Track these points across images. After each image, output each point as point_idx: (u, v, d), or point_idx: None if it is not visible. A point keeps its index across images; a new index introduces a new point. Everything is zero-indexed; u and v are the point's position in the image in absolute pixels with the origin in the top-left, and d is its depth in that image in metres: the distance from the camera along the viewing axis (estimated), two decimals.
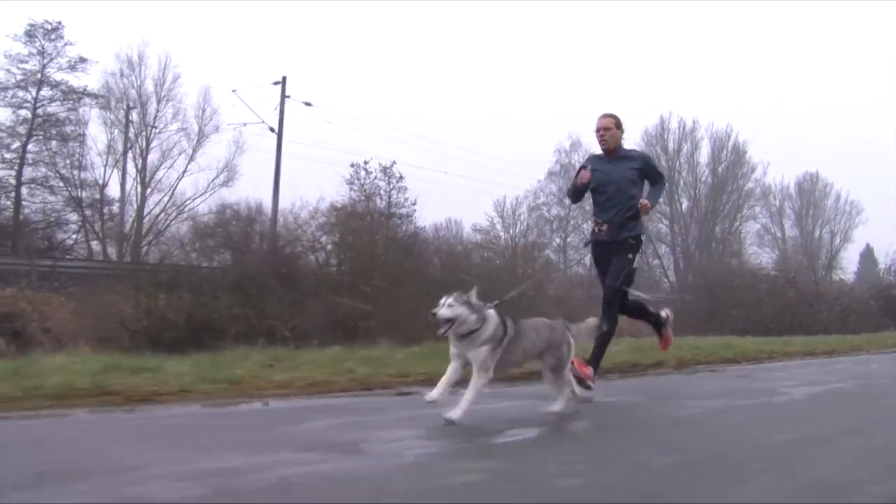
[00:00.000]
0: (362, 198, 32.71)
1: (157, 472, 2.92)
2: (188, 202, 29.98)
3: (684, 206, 43.75)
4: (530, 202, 39.75)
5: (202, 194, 29.84)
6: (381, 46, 55.03)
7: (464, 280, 14.05)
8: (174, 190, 29.89)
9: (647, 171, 6.26)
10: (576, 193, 6.42)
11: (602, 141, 6.19)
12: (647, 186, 6.39)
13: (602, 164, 6.24)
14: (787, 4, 61.02)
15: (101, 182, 27.11)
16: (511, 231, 37.14)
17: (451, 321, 4.28)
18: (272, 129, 25.39)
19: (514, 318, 4.63)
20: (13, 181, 25.48)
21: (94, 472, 2.92)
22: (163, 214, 29.29)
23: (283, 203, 23.29)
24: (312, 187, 41.81)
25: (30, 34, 25.87)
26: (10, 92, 25.61)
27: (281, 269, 16.88)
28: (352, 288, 17.81)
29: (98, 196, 26.73)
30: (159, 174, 29.66)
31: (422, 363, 6.57)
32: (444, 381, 4.41)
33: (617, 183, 6.14)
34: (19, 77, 25.71)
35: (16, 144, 25.71)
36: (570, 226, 40.23)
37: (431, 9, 56.20)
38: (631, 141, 42.71)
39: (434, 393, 4.37)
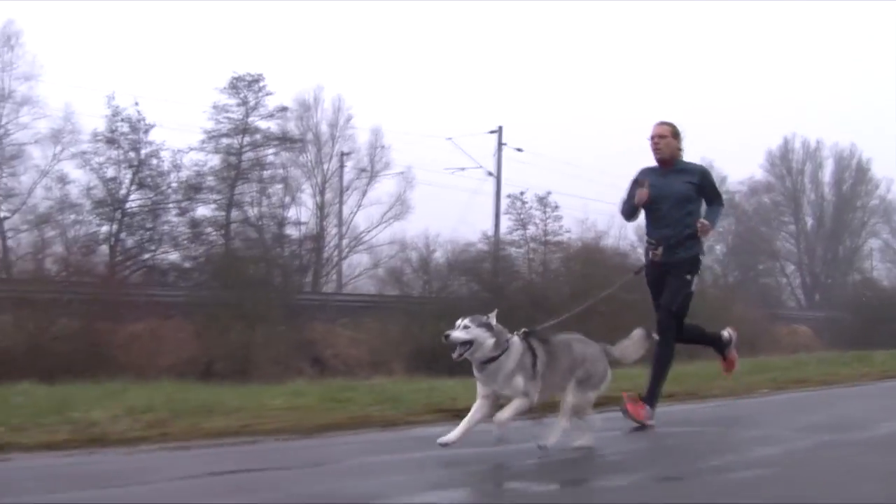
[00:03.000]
0: (518, 226, 34.77)
1: None
2: (363, 234, 32.29)
3: (809, 224, 44.54)
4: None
5: (376, 226, 32.09)
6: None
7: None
8: (350, 223, 32.17)
9: (704, 186, 5.78)
10: (630, 212, 5.93)
11: (656, 150, 5.74)
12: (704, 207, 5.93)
13: (656, 178, 5.77)
14: None
15: (300, 220, 29.49)
16: None
17: (467, 344, 3.98)
18: (490, 174, 27.73)
19: (542, 339, 4.33)
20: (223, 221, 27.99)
21: None
22: (335, 247, 31.56)
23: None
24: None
25: (234, 86, 28.40)
26: (220, 140, 28.15)
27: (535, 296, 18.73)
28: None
29: (297, 233, 29.08)
30: (336, 209, 32.02)
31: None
32: (466, 422, 4.12)
33: (672, 198, 5.68)
34: (227, 126, 28.24)
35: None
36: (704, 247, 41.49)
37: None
38: (753, 162, 44.10)
39: (452, 435, 4.08)
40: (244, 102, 28.50)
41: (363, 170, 29.70)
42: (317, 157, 32.00)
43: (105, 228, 26.22)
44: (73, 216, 25.51)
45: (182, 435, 4.89)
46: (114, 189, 26.44)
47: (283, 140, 28.95)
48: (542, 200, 32.62)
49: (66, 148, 26.43)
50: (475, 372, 4.15)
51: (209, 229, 27.61)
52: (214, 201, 27.89)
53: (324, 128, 31.98)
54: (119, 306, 16.61)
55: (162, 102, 43.53)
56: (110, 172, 26.37)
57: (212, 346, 16.82)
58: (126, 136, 26.59)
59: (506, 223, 32.31)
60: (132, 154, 26.60)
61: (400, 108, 46.65)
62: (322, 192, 31.66)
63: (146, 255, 26.54)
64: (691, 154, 6.13)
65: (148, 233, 26.52)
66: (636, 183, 5.82)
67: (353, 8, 46.27)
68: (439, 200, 33.65)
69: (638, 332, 4.85)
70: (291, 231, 28.91)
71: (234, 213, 28.10)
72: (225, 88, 28.25)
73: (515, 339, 4.16)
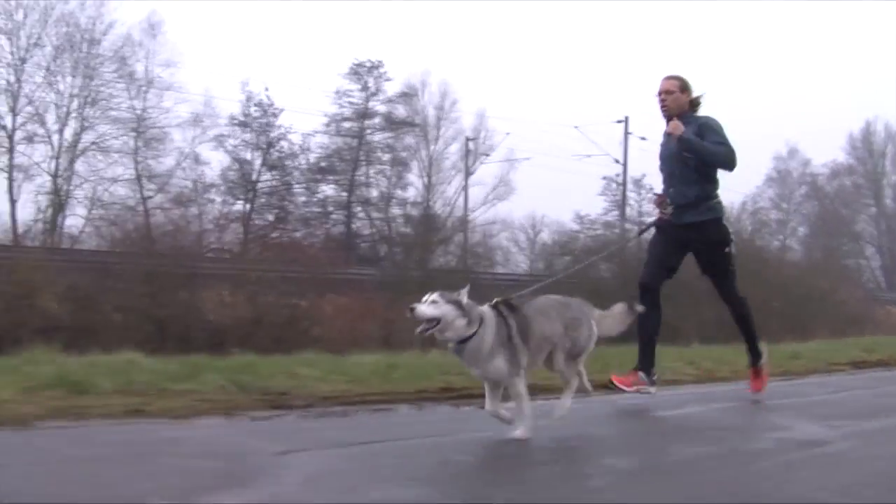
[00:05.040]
0: (614, 207, 35.87)
1: None
2: (468, 214, 33.59)
3: (889, 206, 44.99)
4: (748, 206, 42.03)
5: (481, 206, 33.38)
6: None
7: None
8: (454, 203, 33.48)
9: (703, 131, 5.21)
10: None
11: (663, 107, 5.32)
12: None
13: (663, 138, 5.45)
14: None
15: (419, 199, 30.94)
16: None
17: (434, 321, 3.57)
18: (616, 161, 28.98)
19: (511, 306, 3.91)
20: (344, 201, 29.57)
21: None
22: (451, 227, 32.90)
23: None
24: None
25: (355, 72, 29.81)
26: (342, 124, 29.62)
27: None
28: None
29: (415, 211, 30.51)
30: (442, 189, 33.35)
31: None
32: (487, 392, 3.88)
33: (674, 155, 5.29)
34: (348, 111, 29.69)
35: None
36: (787, 229, 42.24)
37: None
38: (835, 145, 44.61)
39: (488, 404, 3.88)
40: (365, 87, 29.93)
41: (486, 154, 30.80)
42: (423, 140, 33.24)
43: (238, 207, 27.89)
44: (211, 196, 27.10)
45: None
46: (247, 171, 28.07)
47: (402, 123, 30.28)
48: (638, 182, 33.82)
49: (206, 131, 27.93)
50: (454, 355, 3.81)
51: (331, 209, 29.18)
52: (337, 182, 29.43)
53: (430, 111, 33.18)
54: (324, 283, 18.20)
55: (289, 88, 45.99)
56: (244, 154, 28.01)
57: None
58: (257, 119, 28.20)
59: (602, 204, 33.61)
60: (262, 137, 28.18)
61: (507, 94, 47.61)
62: (429, 174, 32.96)
63: (275, 234, 28.13)
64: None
65: (277, 212, 28.13)
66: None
67: None
68: (541, 183, 34.66)
69: (619, 307, 4.40)
70: (412, 211, 30.22)
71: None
72: (347, 74, 29.70)
73: (487, 311, 3.76)
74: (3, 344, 14.35)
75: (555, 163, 42.39)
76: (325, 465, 3.27)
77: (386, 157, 30.30)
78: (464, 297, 3.66)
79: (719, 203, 5.40)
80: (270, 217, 28.15)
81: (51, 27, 26.47)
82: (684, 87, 5.33)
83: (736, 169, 5.28)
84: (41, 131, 26.45)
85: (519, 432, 3.80)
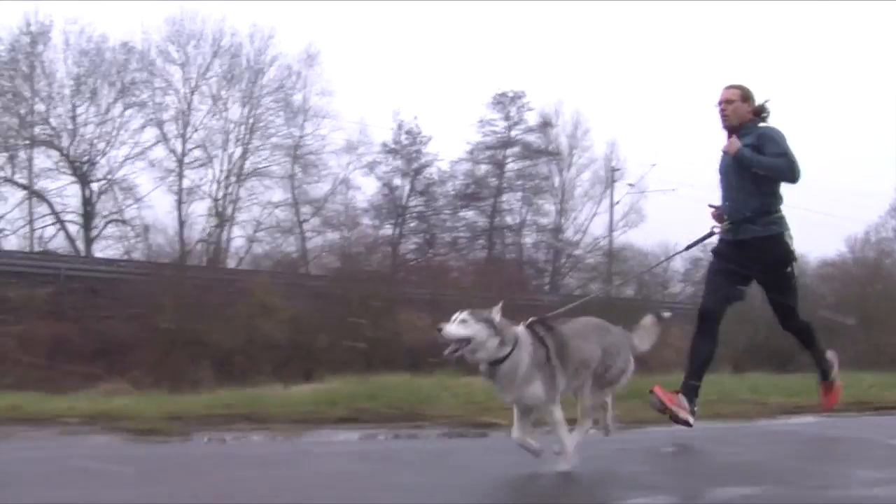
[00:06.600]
0: None
1: None
2: (598, 240, 34.22)
3: None
4: (871, 236, 41.76)
5: (612, 233, 33.94)
6: None
7: None
8: (586, 230, 34.12)
9: (762, 141, 4.95)
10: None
11: (723, 117, 5.08)
12: None
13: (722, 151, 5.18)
14: None
15: (556, 225, 31.71)
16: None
17: (464, 341, 3.39)
18: None
19: (547, 326, 3.72)
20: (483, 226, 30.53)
21: None
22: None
23: None
24: None
25: (498, 101, 30.82)
26: (487, 152, 30.64)
27: None
28: None
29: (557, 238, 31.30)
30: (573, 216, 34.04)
31: None
32: (516, 418, 3.67)
33: (732, 167, 5.03)
34: (491, 140, 30.71)
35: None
36: None
37: None
38: None
39: (515, 432, 3.66)
40: (507, 117, 30.92)
41: (631, 184, 31.36)
42: (555, 168, 33.99)
43: (387, 231, 29.06)
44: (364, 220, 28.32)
45: None
46: (397, 196, 29.25)
47: (542, 152, 31.14)
48: None
49: (360, 158, 29.19)
50: (485, 380, 3.59)
51: (474, 235, 30.13)
52: (480, 209, 30.39)
53: (563, 139, 33.93)
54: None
55: (435, 116, 48.51)
56: (394, 181, 29.19)
57: None
58: (406, 147, 29.37)
59: None
60: (411, 163, 29.35)
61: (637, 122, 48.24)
62: (562, 200, 33.66)
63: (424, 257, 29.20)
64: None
65: (425, 236, 29.23)
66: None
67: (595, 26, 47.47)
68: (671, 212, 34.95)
69: (649, 319, 4.23)
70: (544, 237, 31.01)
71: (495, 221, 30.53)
72: (490, 104, 30.73)
73: (522, 331, 3.57)
74: (236, 365, 15.50)
75: (688, 192, 42.24)
76: None
77: (527, 184, 31.11)
78: (496, 315, 3.47)
79: (782, 218, 5.05)
80: (417, 241, 29.35)
81: (219, 58, 28.12)
82: (746, 96, 5.08)
83: (800, 180, 4.94)
84: (206, 156, 28.06)
85: (563, 465, 3.58)
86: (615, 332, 3.95)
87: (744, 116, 5.02)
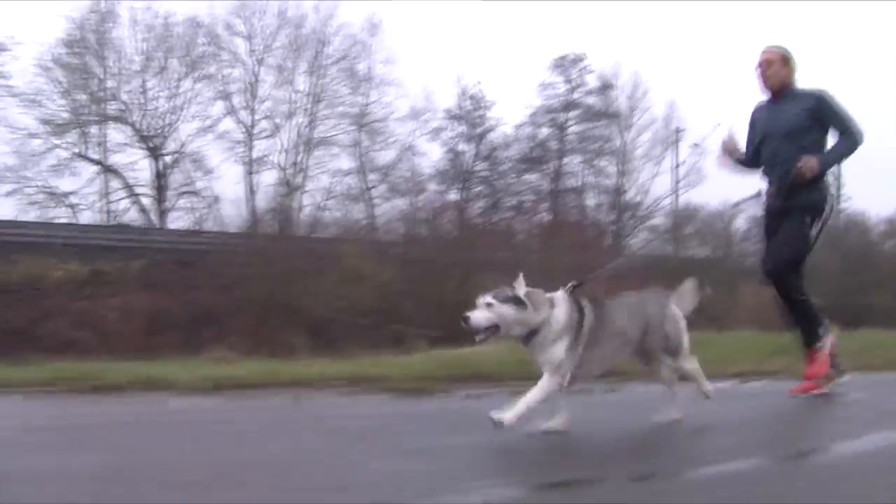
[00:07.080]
0: None
1: None
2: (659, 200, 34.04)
3: None
4: None
5: (671, 193, 33.72)
6: None
7: None
8: (647, 191, 33.95)
9: (822, 113, 4.79)
10: (737, 163, 5.18)
11: (763, 78, 4.95)
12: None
13: (763, 112, 5.04)
14: None
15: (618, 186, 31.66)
16: None
17: (493, 328, 3.35)
18: None
19: (595, 300, 3.64)
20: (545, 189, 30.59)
21: None
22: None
23: None
24: None
25: (559, 65, 30.68)
26: (549, 115, 30.59)
27: None
28: None
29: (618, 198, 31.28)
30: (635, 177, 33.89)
31: None
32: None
33: (782, 131, 4.84)
34: (554, 103, 30.65)
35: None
36: None
37: None
38: None
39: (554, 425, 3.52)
40: (568, 80, 30.76)
41: (695, 144, 31.02)
42: (616, 130, 33.79)
43: (453, 196, 29.26)
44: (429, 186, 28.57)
45: None
46: (461, 161, 29.40)
47: (603, 114, 30.99)
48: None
49: (425, 124, 29.37)
50: (521, 346, 3.54)
51: (534, 198, 30.20)
52: (543, 172, 30.45)
53: (622, 101, 33.65)
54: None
55: (497, 81, 48.87)
56: (458, 146, 29.33)
57: None
58: (470, 112, 29.44)
59: None
60: (475, 129, 29.43)
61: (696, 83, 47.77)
62: (623, 162, 33.50)
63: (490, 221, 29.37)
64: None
65: (489, 200, 29.40)
66: (752, 124, 5.17)
67: None
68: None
69: (689, 283, 4.08)
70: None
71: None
72: (550, 67, 30.60)
73: (559, 296, 3.50)
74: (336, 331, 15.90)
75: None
76: None
77: (588, 146, 31.04)
78: (520, 287, 3.41)
79: (828, 185, 4.97)
80: (481, 205, 29.51)
81: (283, 30, 28.40)
82: (785, 58, 4.90)
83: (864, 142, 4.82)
84: (273, 127, 28.47)
85: (505, 414, 3.29)
86: (650, 302, 3.89)
87: (784, 79, 4.91)
